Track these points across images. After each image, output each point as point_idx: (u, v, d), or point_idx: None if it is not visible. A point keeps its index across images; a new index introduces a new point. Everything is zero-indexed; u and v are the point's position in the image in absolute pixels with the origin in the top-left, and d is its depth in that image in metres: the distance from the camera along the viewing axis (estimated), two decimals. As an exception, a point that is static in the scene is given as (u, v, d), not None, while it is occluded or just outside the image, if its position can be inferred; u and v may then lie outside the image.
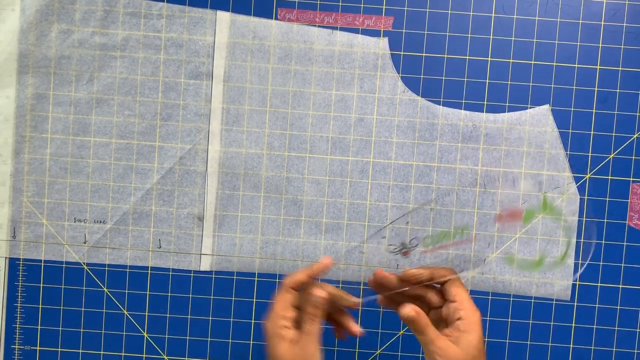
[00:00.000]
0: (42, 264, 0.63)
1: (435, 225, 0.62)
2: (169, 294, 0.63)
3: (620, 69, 0.62)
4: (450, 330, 0.48)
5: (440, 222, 0.61)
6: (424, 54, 0.62)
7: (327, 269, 0.49)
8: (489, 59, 0.62)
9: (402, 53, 0.62)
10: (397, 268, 0.63)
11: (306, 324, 0.47)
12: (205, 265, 0.63)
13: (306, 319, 0.47)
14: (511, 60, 0.62)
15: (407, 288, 0.49)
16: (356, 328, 0.50)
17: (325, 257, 0.49)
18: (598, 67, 0.62)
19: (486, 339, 0.63)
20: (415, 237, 0.62)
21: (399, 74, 0.62)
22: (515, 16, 0.62)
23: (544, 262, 0.61)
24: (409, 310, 0.47)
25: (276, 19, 0.62)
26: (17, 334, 0.64)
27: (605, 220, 0.62)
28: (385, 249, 0.61)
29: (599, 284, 0.63)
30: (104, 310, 0.64)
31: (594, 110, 0.62)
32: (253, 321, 0.64)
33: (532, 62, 0.62)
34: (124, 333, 0.64)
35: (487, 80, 0.62)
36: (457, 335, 0.47)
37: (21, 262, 0.63)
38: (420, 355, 0.63)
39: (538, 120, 0.62)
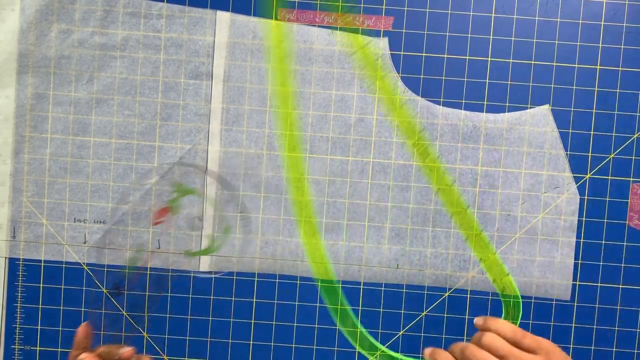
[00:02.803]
0: (42, 264, 0.63)
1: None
2: (169, 294, 0.63)
3: (620, 69, 0.62)
4: None
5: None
6: (424, 54, 0.62)
7: (86, 334, 0.52)
8: (489, 59, 0.62)
9: (402, 53, 0.62)
10: (397, 268, 0.63)
11: None
12: (204, 265, 0.63)
13: None
14: (511, 60, 0.62)
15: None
16: None
17: (82, 325, 0.53)
18: (598, 67, 0.62)
19: (486, 339, 0.63)
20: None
21: (399, 74, 0.62)
22: (515, 16, 0.62)
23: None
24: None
25: (276, 19, 0.62)
26: (17, 334, 0.64)
27: (605, 220, 0.62)
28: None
29: (599, 284, 0.63)
30: (104, 311, 0.64)
31: (594, 110, 0.62)
32: (253, 321, 0.64)
33: (532, 62, 0.62)
34: (124, 333, 0.64)
35: (487, 80, 0.62)
36: None
37: (21, 262, 0.63)
38: (420, 356, 0.63)
39: (538, 120, 0.62)
